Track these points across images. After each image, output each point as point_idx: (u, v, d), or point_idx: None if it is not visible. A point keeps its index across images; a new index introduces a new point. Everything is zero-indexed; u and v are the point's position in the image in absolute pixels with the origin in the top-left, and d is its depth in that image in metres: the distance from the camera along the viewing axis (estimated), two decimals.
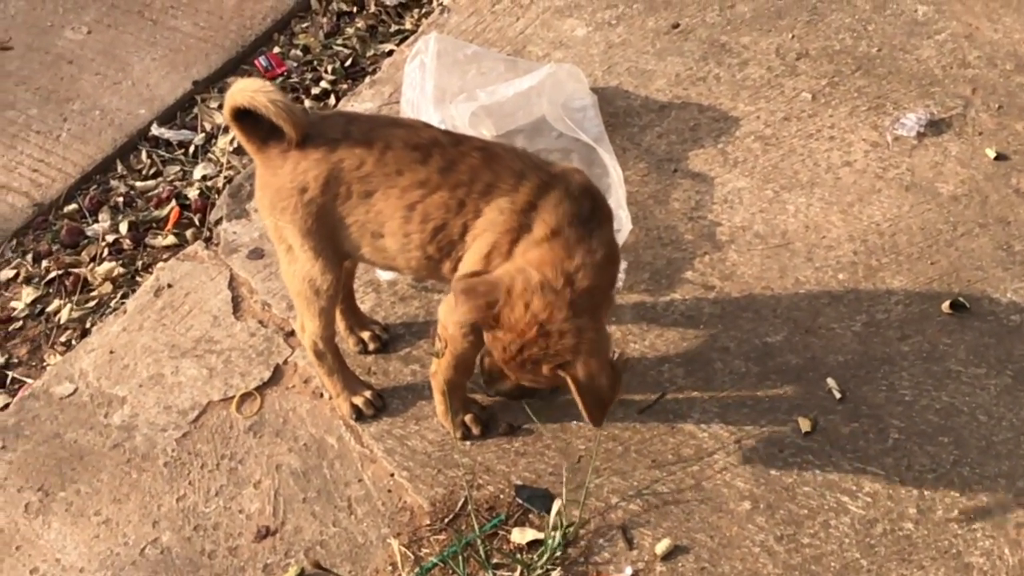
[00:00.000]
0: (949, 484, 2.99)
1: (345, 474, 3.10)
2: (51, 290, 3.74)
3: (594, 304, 2.70)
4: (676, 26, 4.26)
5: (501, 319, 2.65)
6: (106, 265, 3.77)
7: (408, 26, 4.57)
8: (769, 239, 3.54)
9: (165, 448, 3.18)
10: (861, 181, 3.68)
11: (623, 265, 3.31)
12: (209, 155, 4.10)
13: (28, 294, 3.71)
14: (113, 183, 4.04)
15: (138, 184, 4.03)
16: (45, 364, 3.53)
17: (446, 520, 2.98)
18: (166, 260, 3.70)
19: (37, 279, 3.76)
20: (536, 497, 3.00)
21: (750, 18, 4.27)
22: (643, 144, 3.83)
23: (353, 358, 3.27)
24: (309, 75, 4.39)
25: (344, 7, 4.66)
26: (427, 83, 3.78)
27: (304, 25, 4.60)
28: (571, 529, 2.91)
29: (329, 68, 4.39)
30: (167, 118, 4.23)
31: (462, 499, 3.00)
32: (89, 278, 3.74)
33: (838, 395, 3.16)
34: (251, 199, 3.76)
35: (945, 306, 3.33)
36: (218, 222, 3.75)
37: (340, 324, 3.25)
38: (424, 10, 4.63)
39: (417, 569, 2.89)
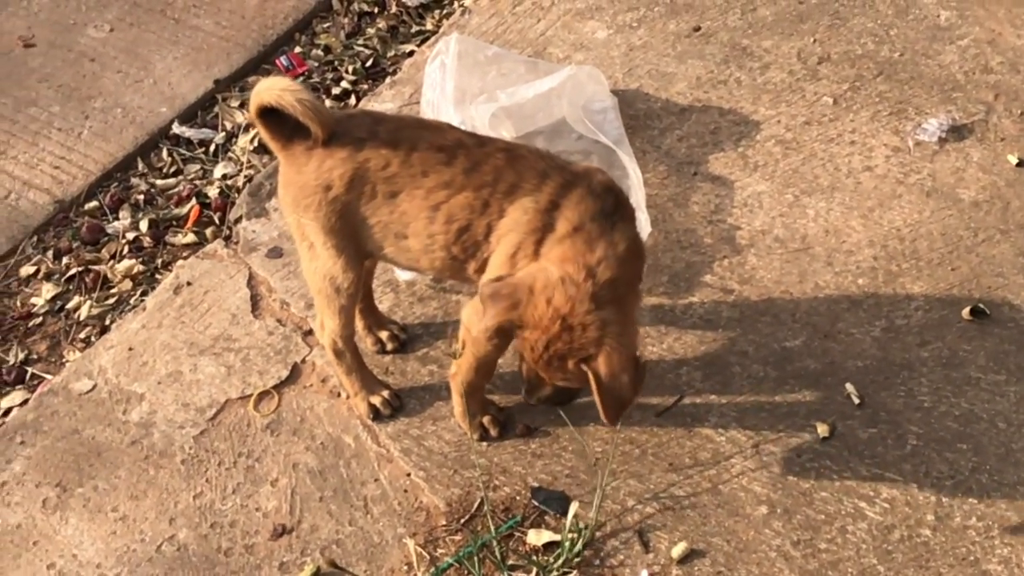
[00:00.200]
0: (967, 491, 2.97)
1: (362, 473, 3.10)
2: (71, 287, 3.76)
3: (618, 296, 2.68)
4: (697, 29, 4.26)
5: (525, 318, 2.65)
6: (126, 262, 3.78)
7: (429, 27, 4.57)
8: (789, 243, 3.53)
9: (183, 445, 3.19)
10: (882, 186, 3.67)
11: None
12: (229, 154, 4.11)
13: (48, 290, 3.73)
14: (134, 181, 4.06)
15: (159, 182, 4.04)
16: (64, 360, 3.55)
17: (462, 521, 2.98)
18: (186, 258, 3.71)
19: (57, 276, 3.78)
20: (552, 499, 2.99)
21: (771, 21, 4.26)
22: (663, 147, 3.83)
23: (371, 358, 3.28)
24: (330, 75, 4.40)
25: (365, 7, 4.67)
26: (447, 84, 3.78)
27: (325, 25, 4.61)
28: (587, 531, 2.90)
29: (350, 68, 4.40)
30: (188, 117, 4.25)
31: (478, 500, 3.00)
32: (109, 275, 3.76)
33: (857, 400, 3.15)
34: (271, 198, 3.77)
35: (965, 312, 3.32)
36: (238, 221, 3.76)
37: (359, 324, 3.25)
38: (445, 11, 4.64)
39: (433, 569, 2.89)
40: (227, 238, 3.73)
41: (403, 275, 3.46)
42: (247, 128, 4.15)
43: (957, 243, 3.50)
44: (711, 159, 3.78)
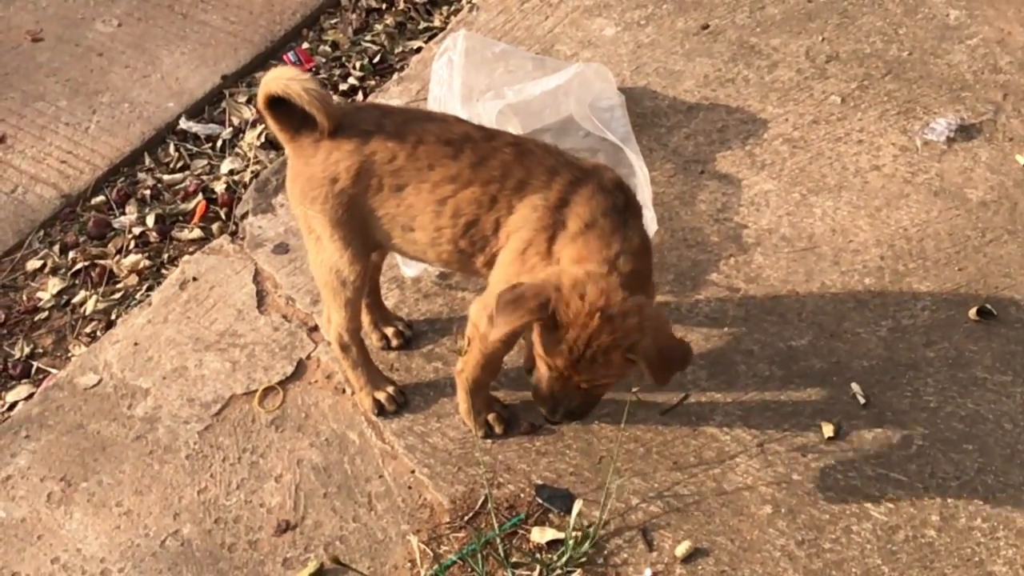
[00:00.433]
0: (973, 492, 2.97)
1: (366, 470, 3.10)
2: (77, 281, 3.76)
3: (641, 287, 2.68)
4: (705, 27, 4.25)
5: (559, 316, 2.57)
6: (132, 257, 3.78)
7: (437, 23, 4.57)
8: (795, 242, 3.52)
9: (187, 441, 3.19)
10: (889, 185, 3.66)
11: None
12: (236, 149, 4.11)
13: (54, 285, 3.73)
14: (141, 176, 4.06)
15: (165, 177, 4.04)
16: (70, 355, 3.55)
17: (466, 518, 2.97)
18: (192, 253, 3.71)
19: (63, 270, 3.78)
20: (556, 497, 2.99)
21: (780, 20, 4.25)
22: (670, 145, 3.82)
23: (376, 354, 3.28)
24: (337, 71, 4.40)
25: (373, 4, 4.67)
26: (455, 80, 3.78)
27: (333, 21, 4.61)
28: (591, 530, 2.90)
29: (357, 64, 4.40)
30: (195, 112, 4.25)
31: (482, 497, 3.00)
32: (115, 270, 3.76)
33: (862, 400, 3.15)
34: (277, 194, 3.77)
35: (972, 313, 3.31)
36: (244, 216, 3.76)
37: (364, 319, 3.25)
38: (453, 7, 4.63)
39: (436, 566, 2.89)
40: (233, 234, 3.73)
41: (409, 272, 3.46)
42: (254, 124, 4.15)
43: (964, 243, 3.49)
44: (718, 157, 3.78)
